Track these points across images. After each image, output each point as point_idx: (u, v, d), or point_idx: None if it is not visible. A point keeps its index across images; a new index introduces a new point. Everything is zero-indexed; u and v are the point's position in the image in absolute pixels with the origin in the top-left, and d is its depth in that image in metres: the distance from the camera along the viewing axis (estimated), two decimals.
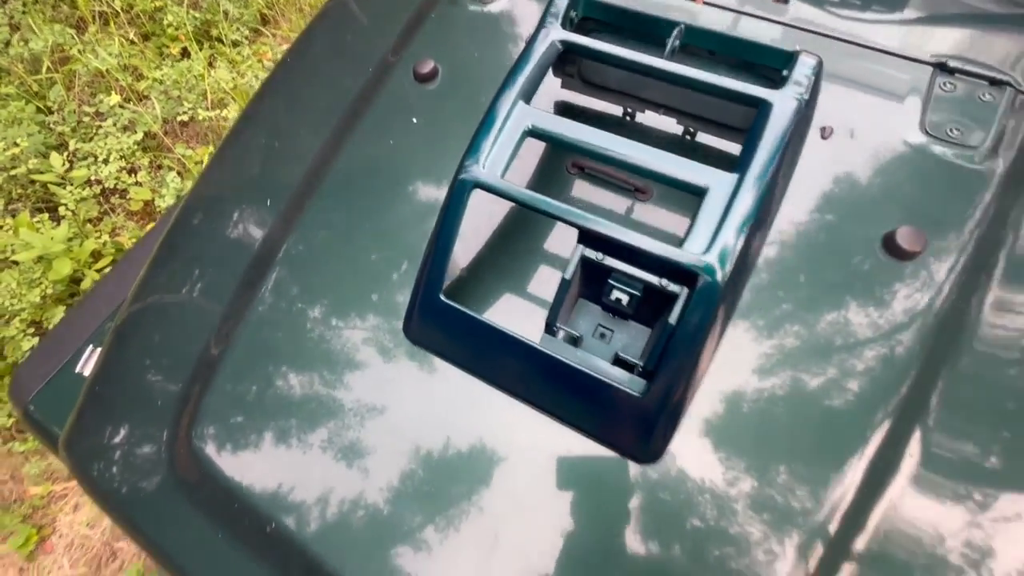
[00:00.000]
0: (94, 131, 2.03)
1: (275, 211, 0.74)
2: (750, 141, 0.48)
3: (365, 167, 0.74)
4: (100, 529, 1.67)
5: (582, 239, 0.51)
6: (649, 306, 0.51)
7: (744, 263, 0.50)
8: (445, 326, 0.57)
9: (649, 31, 0.57)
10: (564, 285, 0.52)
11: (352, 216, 0.70)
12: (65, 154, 1.92)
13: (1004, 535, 0.48)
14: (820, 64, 0.52)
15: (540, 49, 0.54)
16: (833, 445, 0.51)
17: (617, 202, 0.65)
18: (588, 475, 0.52)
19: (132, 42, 2.33)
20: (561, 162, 0.68)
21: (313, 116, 0.83)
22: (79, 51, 2.14)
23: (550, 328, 0.54)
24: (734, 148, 0.65)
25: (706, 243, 0.45)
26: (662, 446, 0.51)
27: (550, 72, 0.59)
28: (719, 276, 0.45)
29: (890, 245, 0.58)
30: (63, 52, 2.17)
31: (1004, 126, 0.64)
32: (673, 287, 0.48)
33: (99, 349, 0.83)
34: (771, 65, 0.54)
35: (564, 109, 0.73)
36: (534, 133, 0.52)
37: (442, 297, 0.56)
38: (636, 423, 0.50)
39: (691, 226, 0.46)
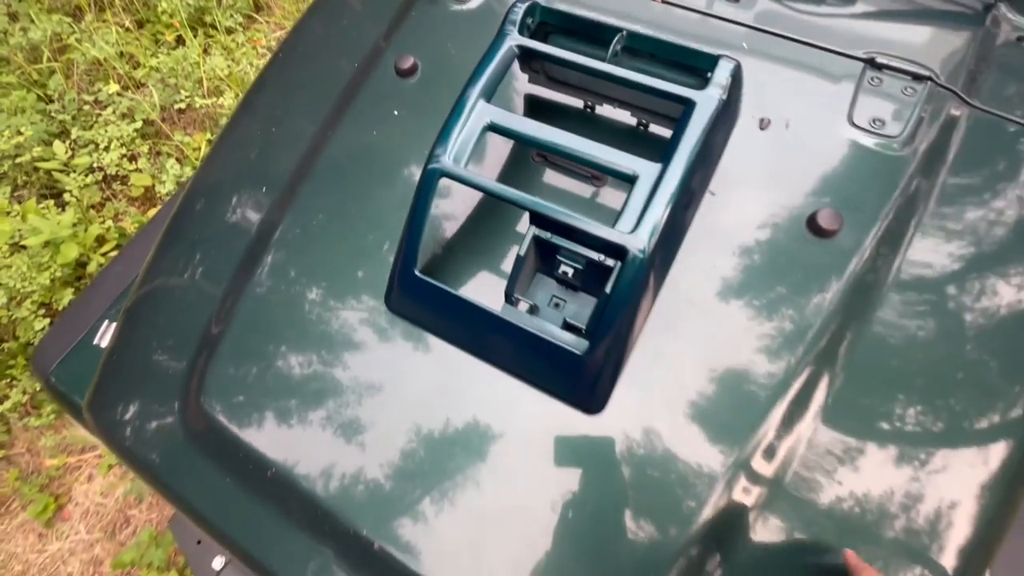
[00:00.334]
0: (94, 119, 2.09)
1: (270, 197, 0.82)
2: (675, 134, 0.56)
3: (352, 155, 0.82)
4: (113, 498, 1.78)
5: (534, 221, 0.60)
6: (594, 278, 0.60)
7: (670, 239, 0.58)
8: (421, 298, 0.66)
9: (598, 36, 0.65)
10: (519, 261, 0.60)
11: (340, 201, 0.78)
12: (67, 142, 1.98)
13: (893, 463, 0.57)
14: (739, 67, 0.59)
15: (499, 54, 0.61)
16: (755, 391, 0.60)
17: (575, 187, 0.73)
18: (542, 423, 0.61)
19: (128, 29, 2.37)
20: (526, 153, 0.76)
21: (305, 107, 0.90)
22: (76, 40, 2.19)
23: (509, 298, 0.62)
24: None
25: (634, 223, 0.53)
26: (604, 398, 0.60)
27: (522, 67, 0.66)
28: (645, 251, 0.53)
29: (812, 224, 0.66)
30: (61, 42, 2.22)
31: (922, 117, 0.72)
32: (609, 261, 0.56)
33: (114, 324, 0.91)
34: (698, 67, 0.61)
35: (532, 102, 0.80)
36: (493, 128, 0.60)
37: (417, 272, 0.64)
38: (580, 378, 0.59)
39: (622, 208, 0.54)
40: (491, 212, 0.73)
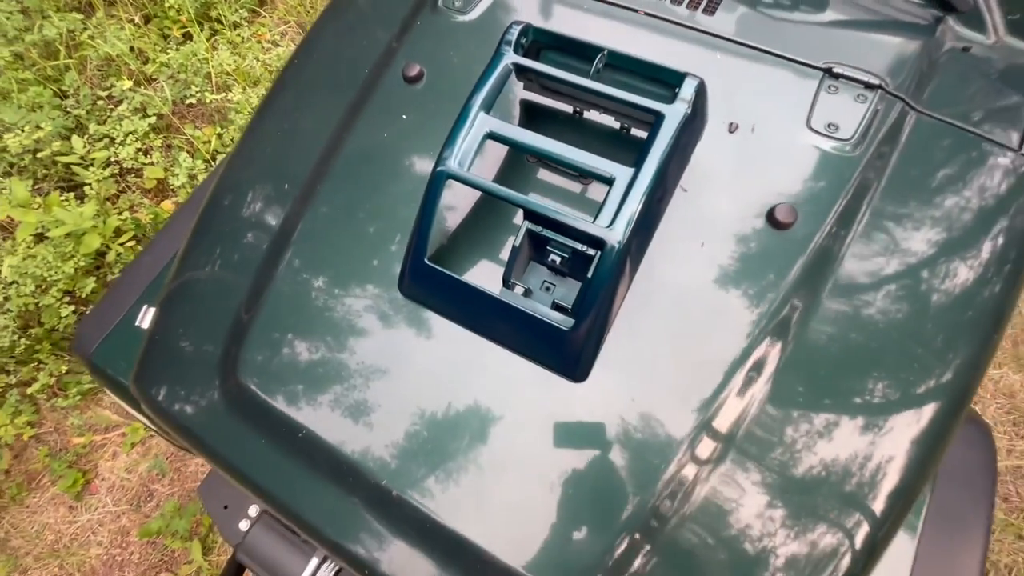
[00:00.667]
0: (107, 114, 2.17)
1: (292, 194, 0.92)
2: (646, 142, 0.66)
3: (366, 156, 0.91)
4: (137, 473, 1.90)
5: (527, 216, 0.70)
6: (579, 265, 0.70)
7: (644, 231, 0.68)
8: (430, 283, 0.76)
9: (583, 54, 0.74)
10: (514, 250, 0.70)
11: (356, 197, 0.87)
12: (85, 136, 2.06)
13: (835, 421, 0.68)
14: (702, 83, 0.69)
15: (496, 71, 0.71)
16: (717, 361, 0.70)
17: (565, 184, 0.83)
18: (534, 391, 0.71)
19: (137, 25, 2.44)
20: (522, 155, 0.85)
21: (321, 110, 0.99)
22: (89, 37, 2.26)
23: (506, 283, 0.72)
24: None
25: (610, 218, 0.63)
26: (587, 368, 0.70)
27: (518, 78, 0.76)
28: (620, 242, 0.63)
29: (771, 218, 0.76)
30: (75, 39, 2.29)
31: (872, 122, 0.81)
32: (591, 251, 0.66)
33: (152, 308, 1.01)
34: (668, 83, 0.70)
35: (528, 107, 0.89)
36: (492, 136, 0.69)
37: (427, 261, 0.74)
38: (567, 351, 0.69)
39: (601, 206, 0.64)
40: (490, 208, 0.83)
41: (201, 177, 2.09)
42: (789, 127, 0.82)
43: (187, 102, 2.19)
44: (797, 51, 0.86)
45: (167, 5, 2.42)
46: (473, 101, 0.70)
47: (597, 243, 0.64)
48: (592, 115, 0.85)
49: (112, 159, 2.06)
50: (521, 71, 0.74)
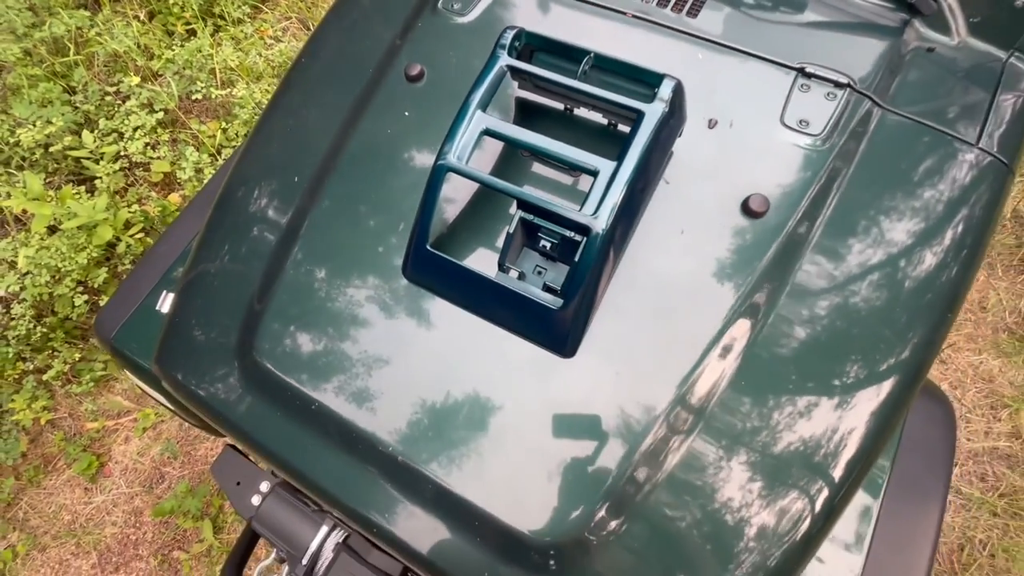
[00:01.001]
0: (115, 109, 2.23)
1: (302, 186, 0.98)
2: (628, 138, 0.72)
3: (370, 151, 0.97)
4: (149, 457, 1.97)
5: (520, 206, 0.76)
6: (567, 250, 0.76)
7: (626, 219, 0.75)
8: (431, 268, 0.82)
9: (572, 56, 0.80)
10: (509, 237, 0.76)
11: (362, 189, 0.94)
12: (95, 131, 2.12)
13: (802, 392, 0.75)
14: (679, 84, 0.75)
15: (492, 72, 0.77)
16: (693, 339, 0.77)
17: (556, 175, 0.90)
18: (527, 365, 0.78)
19: (142, 21, 2.49)
20: (517, 150, 0.91)
21: (328, 107, 1.05)
22: (96, 33, 2.31)
23: (501, 267, 0.79)
24: None
25: (595, 207, 0.70)
26: (576, 344, 0.77)
27: (513, 78, 0.82)
28: (604, 229, 0.70)
29: (745, 208, 0.83)
30: (81, 36, 2.34)
31: (840, 118, 0.87)
32: (578, 237, 0.73)
33: (171, 294, 1.08)
34: (649, 83, 0.76)
35: (522, 104, 0.95)
36: (488, 133, 0.76)
37: (428, 247, 0.80)
38: (557, 329, 0.76)
39: (586, 196, 0.71)
40: (487, 198, 0.89)
41: (207, 171, 2.15)
42: (764, 123, 0.88)
43: (193, 97, 2.24)
44: (773, 51, 0.92)
45: (171, 1, 2.47)
46: (471, 100, 0.76)
47: (583, 230, 0.71)
48: (582, 112, 0.91)
49: (121, 153, 2.12)
50: (515, 72, 0.80)
